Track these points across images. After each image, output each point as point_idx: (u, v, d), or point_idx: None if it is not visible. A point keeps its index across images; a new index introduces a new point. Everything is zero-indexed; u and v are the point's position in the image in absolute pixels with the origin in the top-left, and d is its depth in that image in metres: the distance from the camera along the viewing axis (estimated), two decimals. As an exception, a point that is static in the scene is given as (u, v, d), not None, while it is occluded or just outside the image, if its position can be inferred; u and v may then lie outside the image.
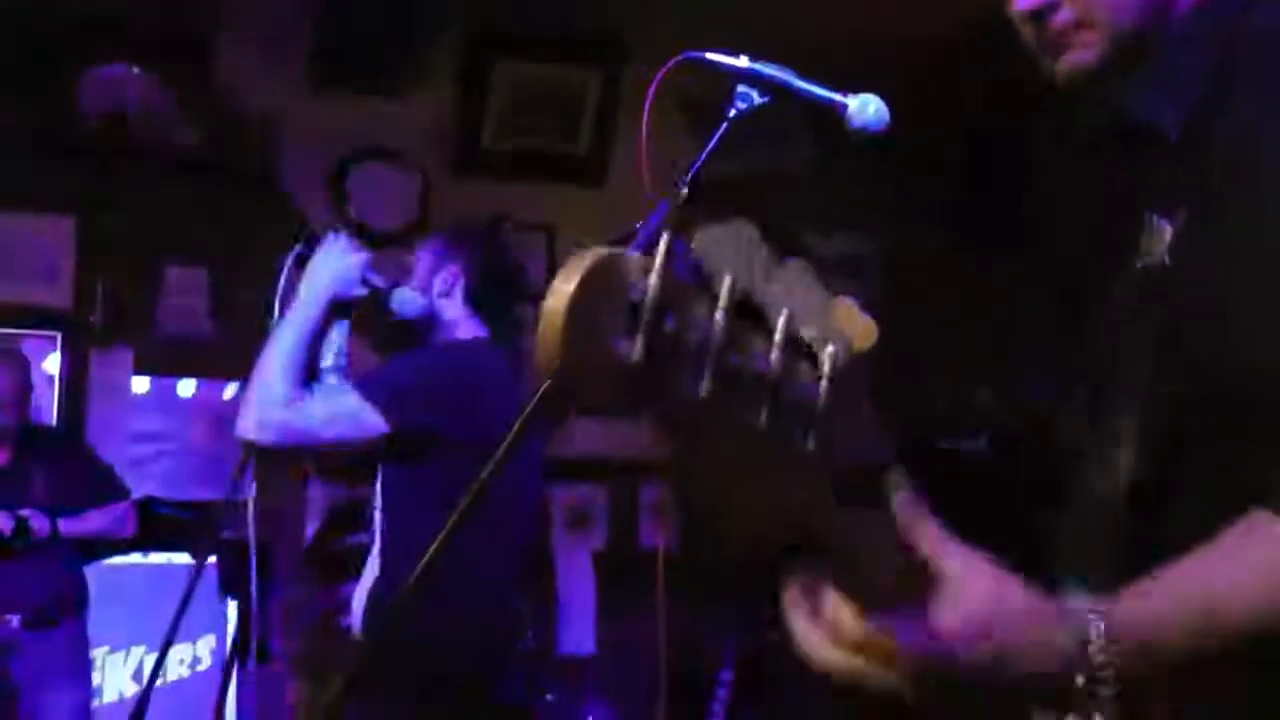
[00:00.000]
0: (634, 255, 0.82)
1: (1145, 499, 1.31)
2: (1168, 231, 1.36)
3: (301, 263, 3.10)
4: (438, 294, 3.22)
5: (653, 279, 0.81)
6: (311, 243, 3.16)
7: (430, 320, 3.23)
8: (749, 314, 0.87)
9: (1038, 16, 1.41)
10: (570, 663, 5.65)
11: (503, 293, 3.29)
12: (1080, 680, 1.13)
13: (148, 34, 5.19)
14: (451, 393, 3.02)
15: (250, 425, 2.91)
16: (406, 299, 3.17)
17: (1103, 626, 1.15)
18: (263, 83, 5.62)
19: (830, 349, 0.93)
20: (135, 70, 5.20)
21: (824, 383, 0.92)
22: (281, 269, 3.10)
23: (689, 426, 0.86)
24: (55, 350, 5.20)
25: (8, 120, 5.15)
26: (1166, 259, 1.36)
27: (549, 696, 4.82)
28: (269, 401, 2.91)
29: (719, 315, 0.84)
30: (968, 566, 1.17)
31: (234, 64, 5.56)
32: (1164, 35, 1.40)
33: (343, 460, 3.30)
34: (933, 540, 1.18)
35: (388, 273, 3.24)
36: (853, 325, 0.98)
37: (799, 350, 0.91)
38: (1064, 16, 1.40)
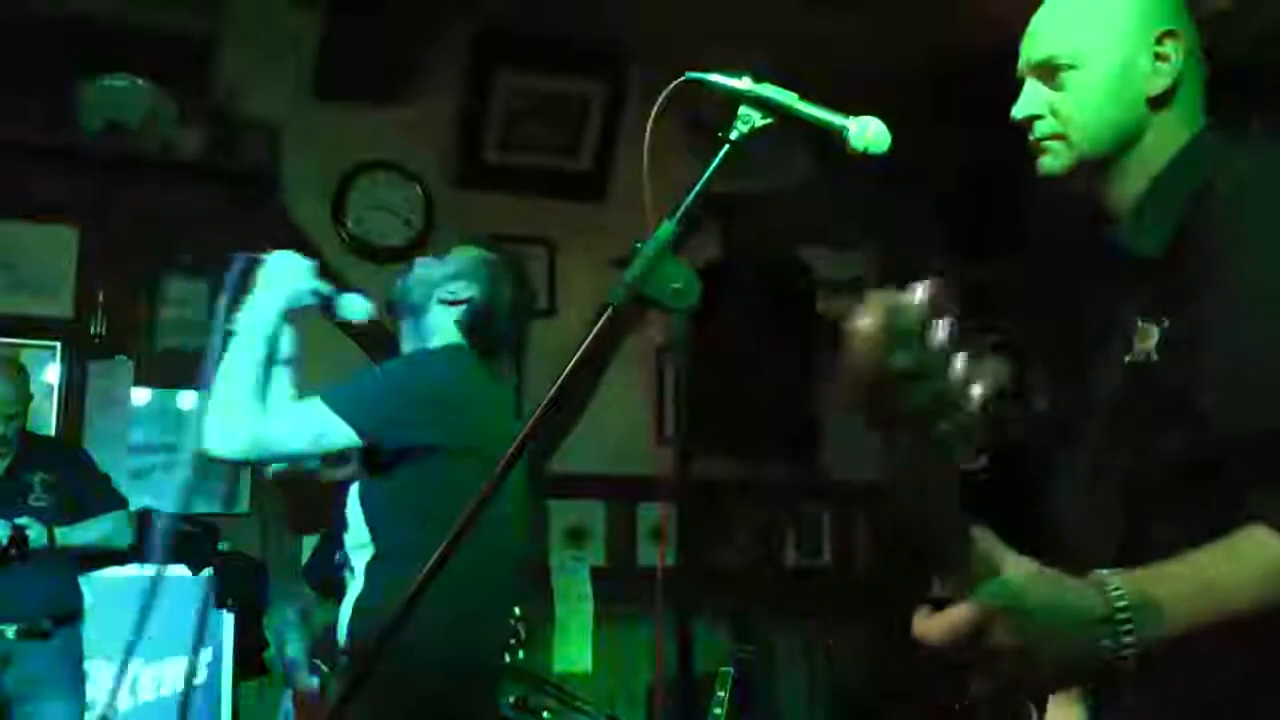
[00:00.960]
0: (912, 301, 1.22)
1: (1133, 558, 1.53)
2: (1154, 334, 1.68)
3: (245, 275, 3.08)
4: (439, 300, 3.19)
5: (938, 329, 1.23)
6: (255, 256, 3.16)
7: (413, 320, 3.20)
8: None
9: (1028, 122, 1.82)
10: (568, 680, 5.63)
11: (508, 326, 3.25)
12: (1106, 640, 1.38)
13: (149, 43, 5.19)
14: (422, 401, 2.99)
15: (216, 440, 2.89)
16: (355, 305, 3.14)
17: (1121, 580, 1.41)
18: (264, 93, 5.63)
19: (978, 388, 1.27)
20: (137, 80, 5.20)
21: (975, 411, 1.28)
22: (228, 283, 3.09)
23: (920, 432, 1.27)
24: (55, 360, 5.20)
25: (9, 129, 5.15)
26: (1154, 357, 1.67)
27: (545, 715, 4.79)
28: (233, 415, 2.90)
29: (945, 350, 1.24)
30: (1018, 561, 1.49)
31: (235, 73, 5.57)
32: (1142, 161, 1.78)
33: (309, 472, 3.23)
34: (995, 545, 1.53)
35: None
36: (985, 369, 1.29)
37: (967, 383, 1.26)
38: (1044, 127, 1.81)
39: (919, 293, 1.23)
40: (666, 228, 1.78)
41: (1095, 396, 1.82)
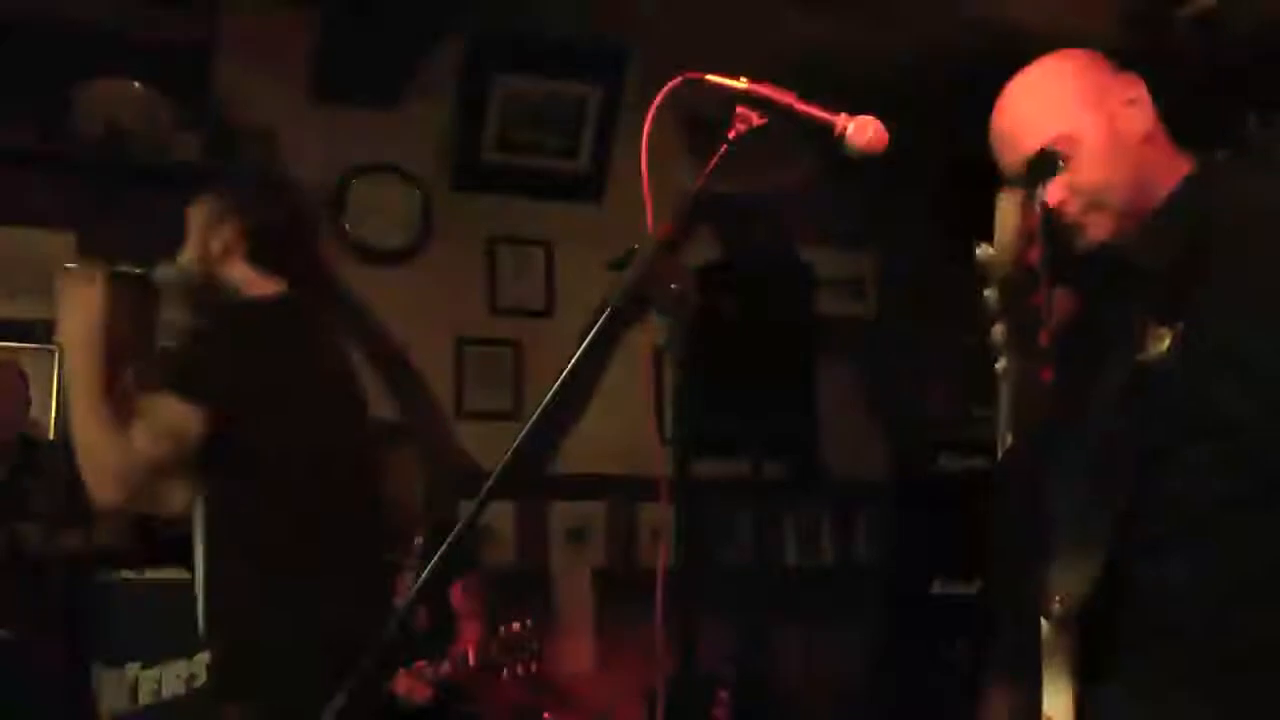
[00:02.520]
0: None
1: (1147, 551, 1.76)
2: (1167, 336, 1.81)
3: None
4: (216, 257, 3.03)
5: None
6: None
7: (215, 286, 3.05)
8: None
9: (1059, 210, 1.91)
10: (568, 681, 5.62)
11: (292, 242, 3.11)
12: None
13: (146, 48, 5.18)
14: (254, 362, 2.87)
15: (99, 495, 2.78)
16: (166, 274, 3.09)
17: None
18: (261, 96, 5.63)
19: None
20: (134, 84, 5.19)
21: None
22: None
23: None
24: (54, 365, 5.19)
25: (6, 135, 5.15)
26: (1168, 358, 1.80)
27: (546, 715, 4.79)
28: (98, 461, 2.74)
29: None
30: None
31: (232, 77, 5.56)
32: (1157, 197, 1.94)
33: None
34: None
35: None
36: None
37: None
38: (1074, 207, 1.92)
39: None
40: (665, 228, 1.78)
41: (1099, 390, 1.92)
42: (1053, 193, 1.90)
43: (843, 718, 6.22)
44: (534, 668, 3.86)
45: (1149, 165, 1.95)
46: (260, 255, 3.01)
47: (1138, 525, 1.78)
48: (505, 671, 3.86)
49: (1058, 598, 1.77)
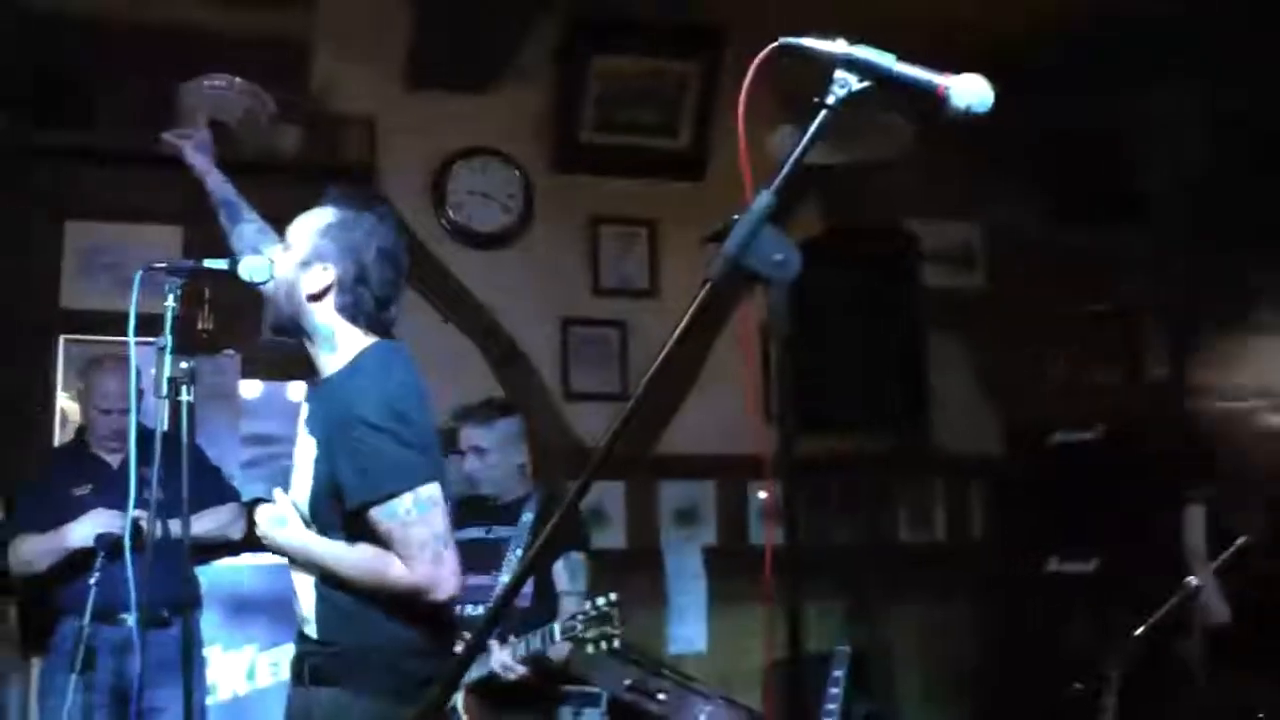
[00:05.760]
0: None
1: None
2: None
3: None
4: (306, 297, 2.87)
5: None
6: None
7: (296, 328, 2.92)
8: None
9: None
10: (682, 662, 5.61)
11: (390, 277, 2.91)
12: None
13: (245, 44, 5.22)
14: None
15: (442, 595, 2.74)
16: (254, 266, 2.96)
17: None
18: (359, 86, 5.66)
19: None
20: (236, 80, 5.24)
21: None
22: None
23: None
24: (163, 358, 5.26)
25: (112, 134, 5.23)
26: None
27: (661, 696, 4.77)
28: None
29: None
30: None
31: (330, 69, 5.60)
32: None
33: None
34: None
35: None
36: None
37: None
38: None
39: None
40: (765, 198, 1.73)
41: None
42: None
43: (955, 697, 6.14)
44: (615, 643, 3.84)
45: None
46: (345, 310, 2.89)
47: None
48: (590, 646, 3.85)
49: None
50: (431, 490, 2.72)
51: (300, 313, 2.89)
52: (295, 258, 2.89)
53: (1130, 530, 5.46)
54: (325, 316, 2.88)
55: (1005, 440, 6.41)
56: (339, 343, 2.88)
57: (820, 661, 4.71)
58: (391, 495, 2.68)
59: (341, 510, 2.76)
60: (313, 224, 2.92)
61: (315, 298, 2.86)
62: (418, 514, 2.69)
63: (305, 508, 2.85)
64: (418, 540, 2.68)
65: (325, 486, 2.78)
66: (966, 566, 6.23)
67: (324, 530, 2.82)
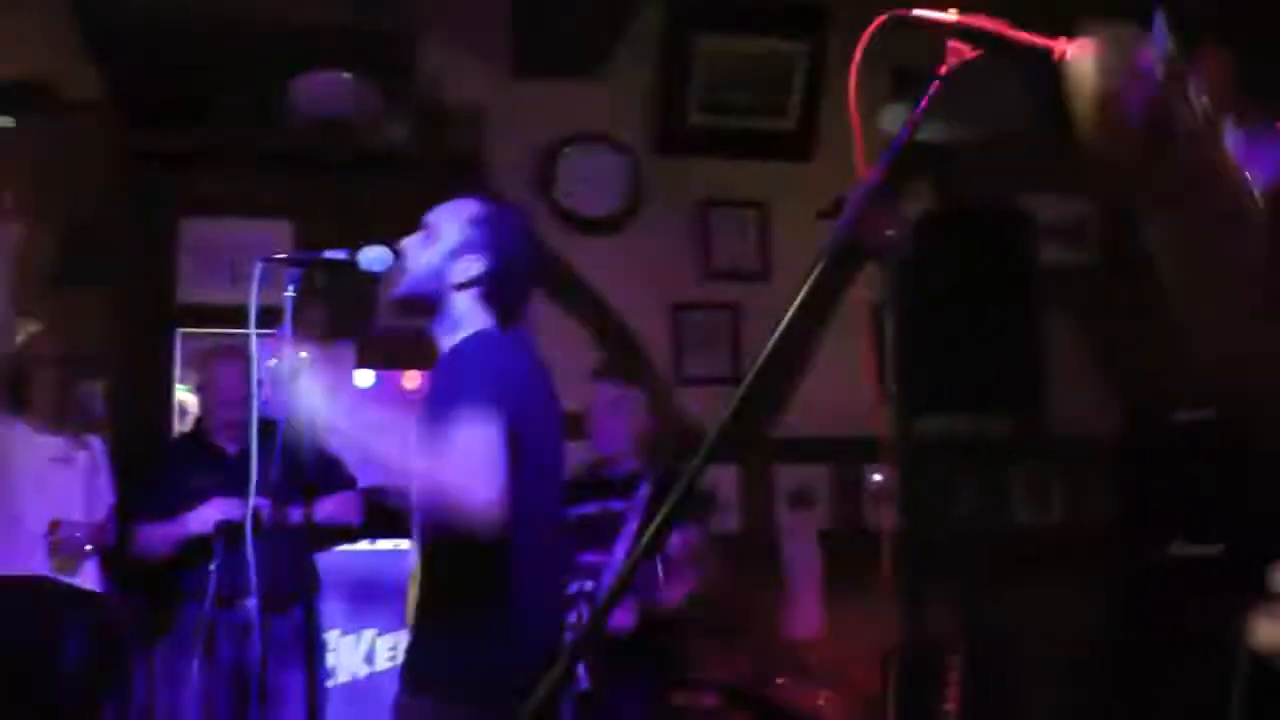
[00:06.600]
0: None
1: None
2: None
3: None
4: (454, 284, 2.87)
5: None
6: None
7: (428, 310, 2.91)
8: None
9: None
10: (798, 645, 5.58)
11: (527, 280, 2.97)
12: None
13: (353, 38, 5.27)
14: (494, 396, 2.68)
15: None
16: (375, 256, 2.93)
17: None
18: (465, 74, 5.69)
19: None
20: (345, 75, 5.30)
21: None
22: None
23: None
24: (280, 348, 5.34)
25: (225, 131, 5.31)
26: None
27: (779, 680, 4.76)
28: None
29: None
30: None
31: (437, 57, 5.63)
32: None
33: None
34: None
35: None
36: None
37: None
38: None
39: None
40: (877, 174, 1.70)
41: None
42: None
43: (1075, 682, 6.03)
44: (695, 585, 3.85)
45: None
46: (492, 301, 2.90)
47: None
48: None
49: None
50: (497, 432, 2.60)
51: (443, 299, 2.88)
52: (445, 246, 2.90)
53: (1259, 511, 5.31)
54: (466, 305, 2.87)
55: (1125, 419, 6.28)
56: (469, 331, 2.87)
57: (936, 644, 4.66)
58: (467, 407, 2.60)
59: None
60: (464, 214, 2.94)
61: (462, 286, 2.86)
62: (481, 431, 2.57)
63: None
64: (469, 449, 2.56)
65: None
66: (1086, 549, 6.11)
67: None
